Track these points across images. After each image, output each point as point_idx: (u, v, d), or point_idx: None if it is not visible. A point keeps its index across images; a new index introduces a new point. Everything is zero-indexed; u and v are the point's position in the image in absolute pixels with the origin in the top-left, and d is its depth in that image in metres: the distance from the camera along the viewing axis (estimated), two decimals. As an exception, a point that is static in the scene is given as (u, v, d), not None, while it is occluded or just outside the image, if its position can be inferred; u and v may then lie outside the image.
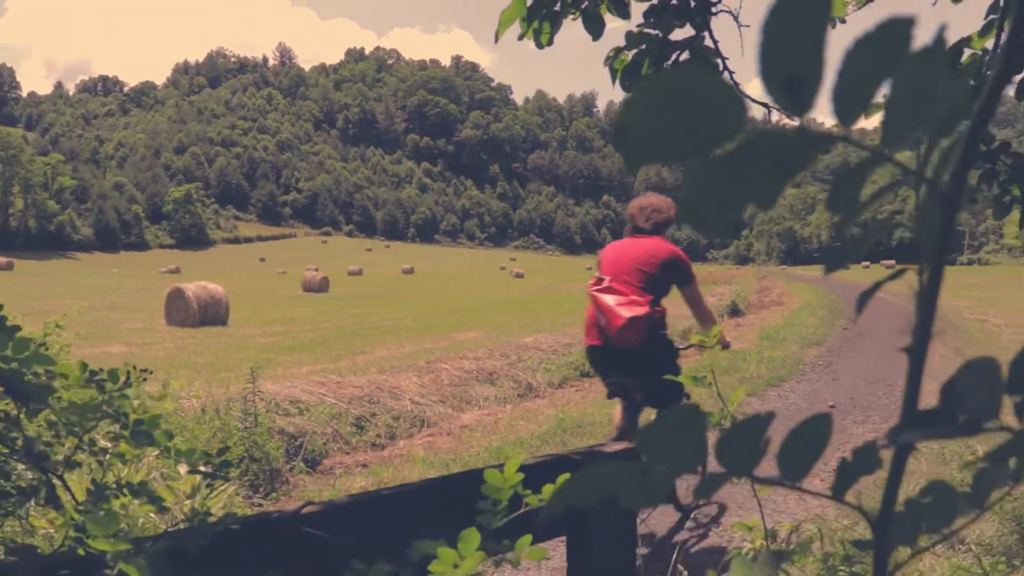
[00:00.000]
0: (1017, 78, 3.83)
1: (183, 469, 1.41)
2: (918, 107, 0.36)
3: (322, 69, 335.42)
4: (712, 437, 0.45)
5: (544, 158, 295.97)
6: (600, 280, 4.74)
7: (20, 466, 1.28)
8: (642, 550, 4.91)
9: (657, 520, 5.45)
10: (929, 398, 0.45)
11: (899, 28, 0.34)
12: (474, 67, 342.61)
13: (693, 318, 5.24)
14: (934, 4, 4.30)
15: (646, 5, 3.43)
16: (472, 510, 1.26)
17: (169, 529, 1.30)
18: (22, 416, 1.26)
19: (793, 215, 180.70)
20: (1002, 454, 0.44)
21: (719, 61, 3.40)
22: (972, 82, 3.55)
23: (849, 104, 0.35)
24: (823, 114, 0.38)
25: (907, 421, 0.45)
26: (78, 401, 1.28)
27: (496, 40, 3.47)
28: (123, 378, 1.32)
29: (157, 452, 1.36)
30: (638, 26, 3.44)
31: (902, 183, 0.42)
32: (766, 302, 27.91)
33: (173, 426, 6.08)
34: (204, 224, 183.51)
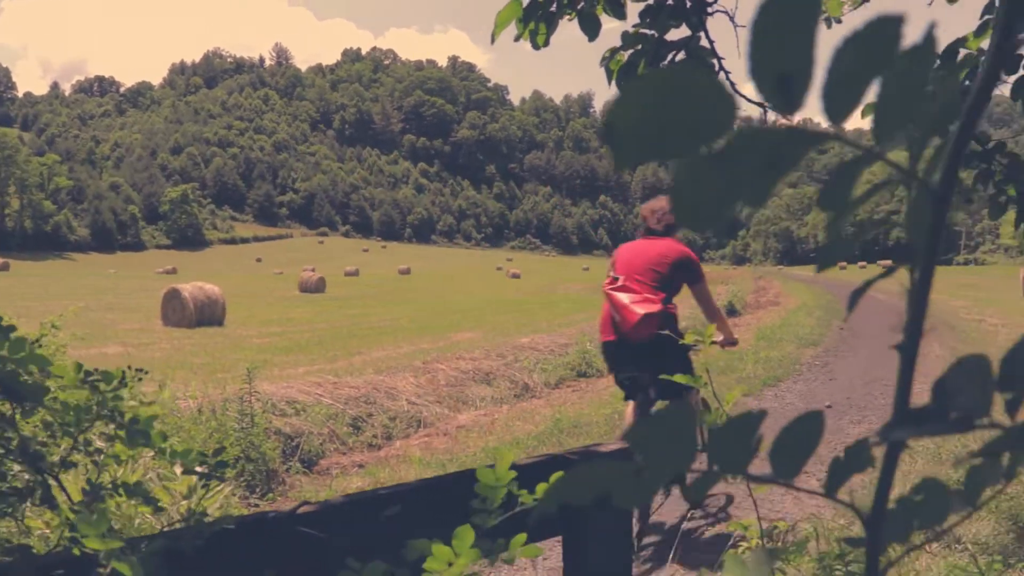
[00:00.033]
0: (1013, 78, 3.84)
1: (179, 470, 1.40)
2: (908, 105, 0.36)
3: (318, 69, 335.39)
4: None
5: (541, 158, 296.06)
6: (615, 279, 4.95)
7: (16, 466, 1.28)
8: (653, 537, 5.08)
9: (667, 509, 5.49)
10: (924, 397, 0.45)
11: (888, 26, 0.34)
12: (471, 67, 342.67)
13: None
14: (930, 4, 4.31)
15: (642, 5, 3.43)
16: (467, 510, 1.26)
17: (165, 529, 1.30)
18: (17, 416, 1.26)
19: (790, 215, 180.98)
20: (992, 450, 0.44)
21: (715, 61, 3.41)
22: (967, 82, 3.56)
23: (839, 102, 0.35)
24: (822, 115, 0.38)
25: (899, 418, 0.45)
26: (71, 402, 1.28)
27: (492, 41, 3.47)
28: (118, 378, 1.32)
29: (153, 453, 1.36)
30: (634, 26, 3.44)
31: (894, 182, 0.42)
32: (763, 302, 27.95)
33: (169, 427, 6.08)
34: (200, 224, 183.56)
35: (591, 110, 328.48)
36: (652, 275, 4.90)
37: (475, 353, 12.28)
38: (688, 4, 3.37)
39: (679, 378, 2.40)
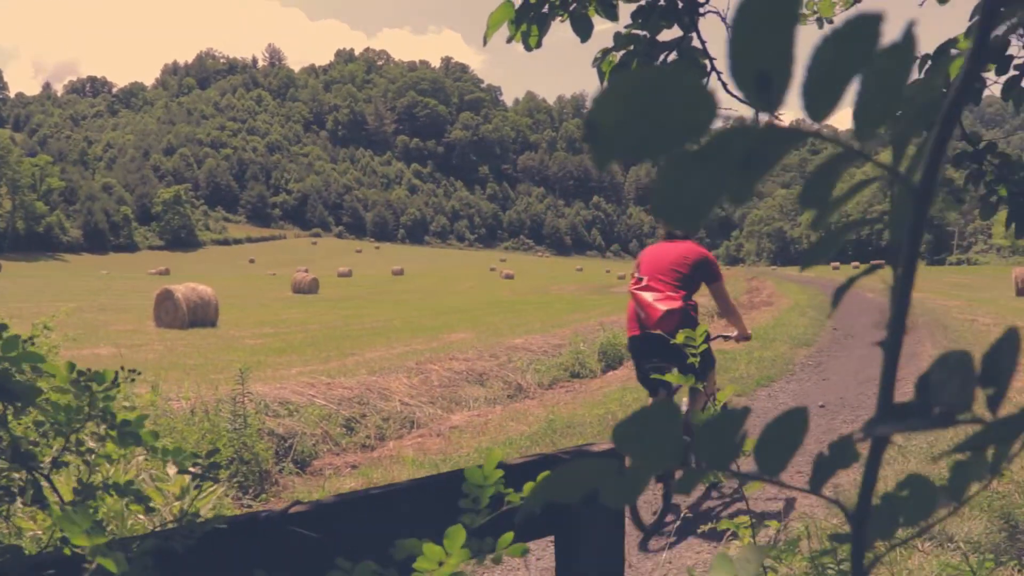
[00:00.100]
0: (1004, 78, 3.86)
1: (172, 471, 1.40)
2: (887, 103, 0.36)
3: (312, 70, 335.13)
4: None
5: (534, 159, 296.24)
6: (639, 280, 5.40)
7: (3, 465, 1.27)
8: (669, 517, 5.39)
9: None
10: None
11: (868, 25, 0.34)
12: (464, 68, 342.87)
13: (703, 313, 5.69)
14: (921, 4, 4.32)
15: (634, 6, 3.43)
16: (458, 510, 1.26)
17: (156, 530, 1.30)
18: (9, 416, 1.26)
19: (783, 215, 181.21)
20: (973, 445, 0.45)
21: (707, 62, 3.41)
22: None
23: (819, 100, 0.36)
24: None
25: (882, 414, 0.45)
26: (62, 402, 1.28)
27: (485, 43, 3.47)
28: (110, 379, 1.32)
29: (145, 454, 1.36)
30: (626, 27, 3.45)
31: (877, 180, 0.42)
32: (756, 302, 27.99)
33: (162, 428, 6.06)
34: (193, 225, 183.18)
35: (584, 111, 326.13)
36: (674, 275, 5.32)
37: (468, 354, 12.28)
38: (680, 5, 3.37)
39: (670, 377, 2.43)
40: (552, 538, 1.78)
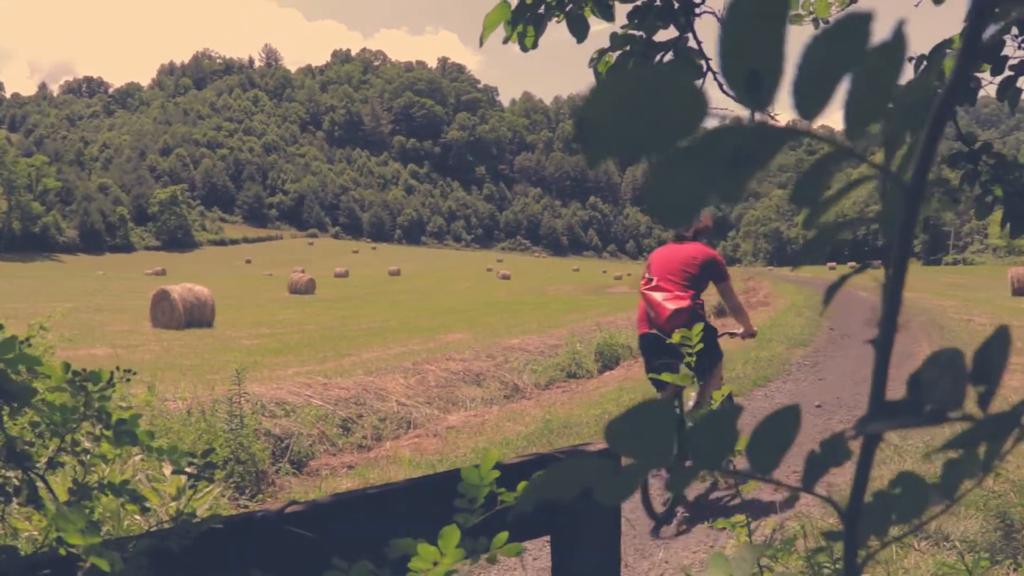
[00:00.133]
0: (998, 79, 3.87)
1: (167, 471, 1.41)
2: (877, 102, 0.37)
3: (308, 71, 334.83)
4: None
5: (531, 160, 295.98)
6: (649, 280, 5.66)
7: (0, 466, 1.27)
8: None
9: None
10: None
11: (858, 23, 0.35)
12: (460, 69, 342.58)
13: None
14: (917, 5, 4.33)
15: (630, 7, 3.43)
16: (453, 509, 1.26)
17: (152, 529, 1.30)
18: (4, 416, 1.26)
19: (779, 216, 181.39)
20: (963, 442, 0.45)
21: (703, 62, 3.41)
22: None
23: (809, 99, 0.36)
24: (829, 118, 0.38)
25: (874, 412, 0.45)
26: (57, 402, 1.28)
27: (481, 44, 3.47)
28: (105, 379, 1.32)
29: (141, 454, 1.36)
30: (622, 27, 3.45)
31: (869, 179, 0.42)
32: (752, 303, 27.99)
33: (158, 428, 6.06)
34: (190, 226, 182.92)
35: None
36: (683, 275, 5.57)
37: (465, 354, 12.28)
38: (676, 5, 3.37)
39: (666, 377, 2.45)
40: (548, 538, 1.79)
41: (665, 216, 0.36)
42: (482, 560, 1.19)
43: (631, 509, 5.58)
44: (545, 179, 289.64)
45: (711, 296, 6.18)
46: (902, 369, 0.46)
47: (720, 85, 0.37)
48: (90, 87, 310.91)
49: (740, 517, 2.21)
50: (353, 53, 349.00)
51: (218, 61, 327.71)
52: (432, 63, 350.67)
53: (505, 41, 3.45)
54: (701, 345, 2.77)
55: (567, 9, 3.38)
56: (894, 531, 0.57)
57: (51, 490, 1.28)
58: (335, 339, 17.30)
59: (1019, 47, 3.85)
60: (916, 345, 14.08)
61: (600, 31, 3.41)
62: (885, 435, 0.50)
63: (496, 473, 1.26)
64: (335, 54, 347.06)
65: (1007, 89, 3.82)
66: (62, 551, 1.15)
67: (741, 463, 0.50)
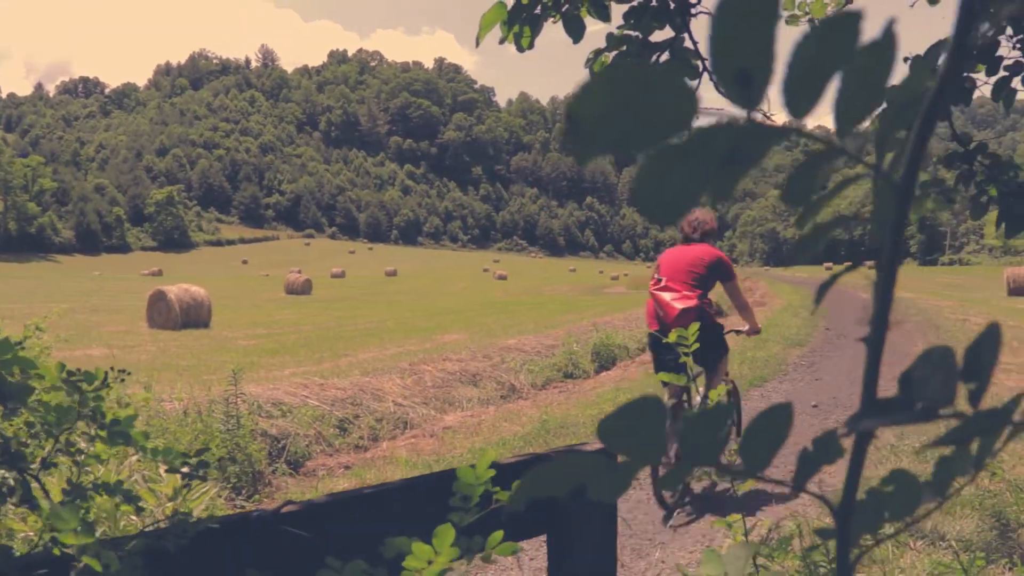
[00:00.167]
0: (993, 79, 3.87)
1: (163, 470, 1.41)
2: (867, 100, 0.37)
3: (305, 71, 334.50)
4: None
5: (527, 160, 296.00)
6: (659, 280, 5.87)
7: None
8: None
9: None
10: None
11: (848, 22, 0.35)
12: (457, 69, 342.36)
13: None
14: (912, 5, 4.33)
15: (626, 7, 3.44)
16: (448, 509, 1.26)
17: (147, 529, 1.30)
18: (-1, 417, 1.26)
19: (776, 216, 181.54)
20: (953, 439, 0.45)
21: (699, 62, 3.42)
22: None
23: (800, 97, 0.36)
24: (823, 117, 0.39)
25: (866, 409, 0.45)
26: (52, 403, 1.28)
27: (477, 44, 3.47)
28: (100, 379, 1.32)
29: (138, 455, 1.36)
30: (618, 28, 3.45)
31: (861, 177, 0.42)
32: (749, 303, 27.96)
33: (155, 429, 6.05)
34: (186, 226, 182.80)
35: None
36: (690, 275, 5.77)
37: (462, 354, 12.27)
38: (672, 5, 3.38)
39: (664, 376, 2.46)
40: (544, 537, 1.79)
41: (654, 213, 0.36)
42: (478, 560, 1.19)
43: (628, 509, 5.59)
44: (542, 179, 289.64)
45: (715, 296, 6.35)
46: (897, 369, 0.46)
47: (716, 85, 0.37)
48: (86, 87, 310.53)
49: (736, 516, 2.21)
50: (349, 53, 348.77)
51: (214, 61, 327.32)
52: (428, 63, 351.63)
53: (501, 41, 3.45)
54: (697, 345, 2.79)
55: (563, 9, 3.38)
56: (887, 528, 0.57)
57: (45, 490, 1.28)
58: (331, 339, 17.29)
59: (1014, 47, 3.86)
60: (912, 345, 14.10)
61: (596, 31, 3.41)
62: (881, 435, 0.50)
63: (491, 472, 1.26)
64: (331, 54, 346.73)
65: (1002, 89, 3.83)
66: (56, 551, 1.15)
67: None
